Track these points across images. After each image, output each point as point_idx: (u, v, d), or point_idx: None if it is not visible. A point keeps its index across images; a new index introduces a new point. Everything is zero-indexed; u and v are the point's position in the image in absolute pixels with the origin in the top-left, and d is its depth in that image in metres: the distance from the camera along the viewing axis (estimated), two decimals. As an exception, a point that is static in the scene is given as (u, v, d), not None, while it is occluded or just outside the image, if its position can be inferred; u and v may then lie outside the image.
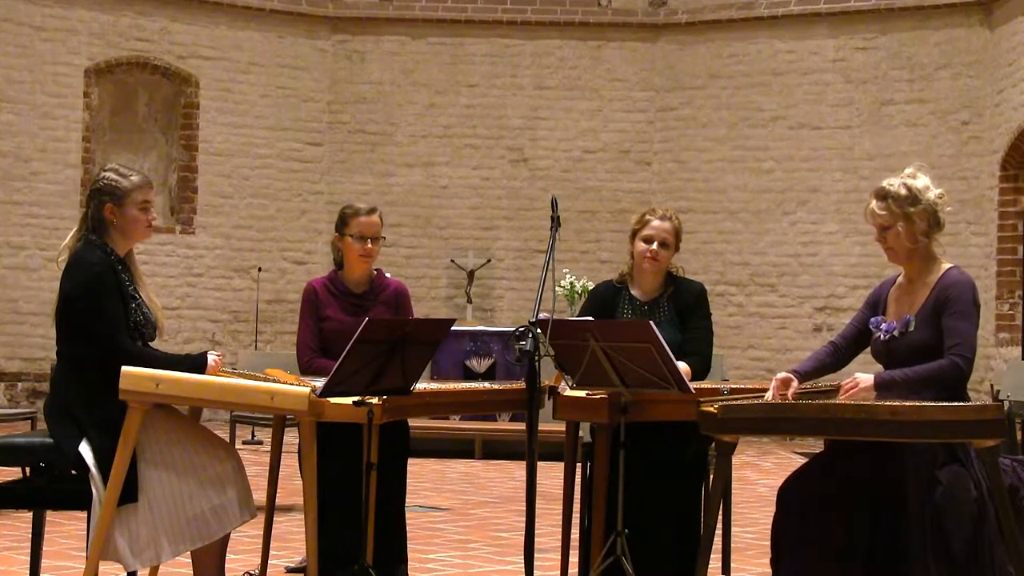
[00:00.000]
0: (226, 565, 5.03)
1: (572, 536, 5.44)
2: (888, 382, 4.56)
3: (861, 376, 4.62)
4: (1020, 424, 9.01)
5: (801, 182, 14.32)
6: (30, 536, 5.15)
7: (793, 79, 14.35)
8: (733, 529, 5.97)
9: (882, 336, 4.71)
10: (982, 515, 4.42)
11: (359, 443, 4.84)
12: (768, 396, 4.71)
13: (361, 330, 4.62)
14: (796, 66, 14.35)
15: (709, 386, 5.15)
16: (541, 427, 4.75)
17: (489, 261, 14.81)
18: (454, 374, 12.23)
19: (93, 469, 4.73)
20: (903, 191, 4.65)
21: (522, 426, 4.66)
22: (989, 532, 4.41)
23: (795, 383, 4.71)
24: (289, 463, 5.86)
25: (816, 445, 10.86)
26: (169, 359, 4.89)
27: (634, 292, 5.70)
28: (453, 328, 5.48)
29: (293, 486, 6.16)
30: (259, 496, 5.26)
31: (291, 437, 5.49)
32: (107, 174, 5.00)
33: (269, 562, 5.63)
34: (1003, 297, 12.88)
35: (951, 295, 4.59)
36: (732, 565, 5.95)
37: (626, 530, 5.00)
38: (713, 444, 5.05)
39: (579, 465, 5.56)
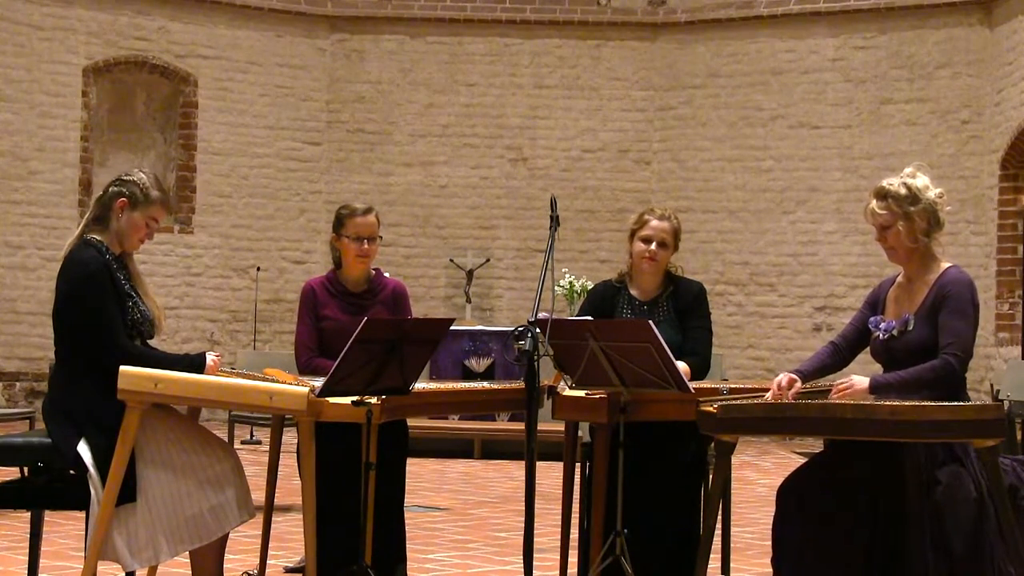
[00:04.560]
0: (225, 565, 5.02)
1: (571, 536, 5.44)
2: (883, 385, 4.55)
3: (856, 379, 4.61)
4: (1020, 424, 9.00)
5: (800, 181, 14.32)
6: (28, 536, 5.13)
7: (792, 78, 14.35)
8: (733, 529, 5.96)
9: (881, 335, 4.71)
10: (982, 515, 4.41)
11: (358, 443, 4.84)
12: (769, 396, 4.71)
13: (360, 330, 4.62)
14: (796, 65, 14.34)
15: (708, 386, 5.14)
16: (540, 427, 4.74)
17: (488, 260, 14.80)
18: (453, 374, 12.22)
19: (91, 469, 4.72)
20: (903, 190, 4.65)
21: (521, 426, 4.66)
22: (989, 532, 4.41)
23: (798, 383, 4.71)
24: (288, 463, 5.86)
25: (816, 445, 10.85)
26: (167, 358, 4.88)
27: (633, 292, 5.69)
28: (452, 327, 5.47)
29: (292, 486, 6.15)
30: (258, 496, 5.25)
31: (290, 437, 5.49)
32: (142, 176, 5.01)
33: (268, 562, 5.62)
34: (1003, 297, 12.88)
35: (949, 293, 4.59)
36: (732, 565, 5.94)
37: (625, 530, 4.99)
38: (713, 444, 5.05)
39: (578, 465, 5.56)
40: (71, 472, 4.82)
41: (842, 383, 4.63)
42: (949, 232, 5.06)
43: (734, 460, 5.08)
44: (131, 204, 4.94)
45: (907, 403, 4.32)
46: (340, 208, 5.87)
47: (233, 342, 14.54)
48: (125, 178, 5.01)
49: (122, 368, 4.66)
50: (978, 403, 4.36)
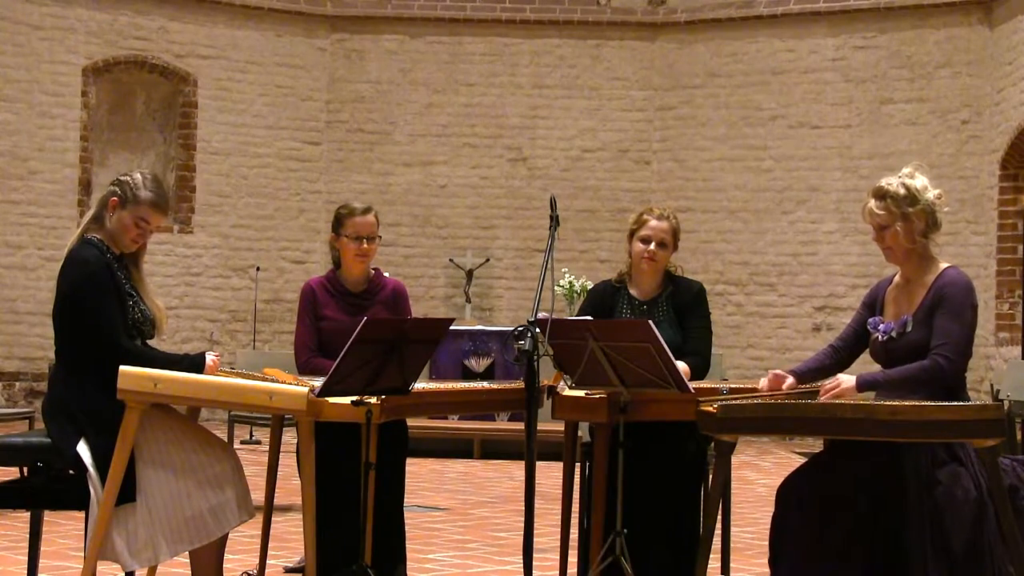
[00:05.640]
0: (224, 565, 5.02)
1: (571, 536, 5.44)
2: (871, 383, 4.56)
3: (843, 377, 4.62)
4: (1020, 424, 9.00)
5: (800, 181, 14.32)
6: (28, 536, 5.13)
7: (792, 78, 14.34)
8: (732, 529, 5.96)
9: (880, 337, 4.70)
10: (982, 515, 4.41)
11: (358, 443, 4.83)
12: (762, 384, 4.73)
13: (359, 329, 4.61)
14: (795, 65, 14.34)
15: (708, 385, 5.14)
16: (540, 427, 4.74)
17: (488, 260, 14.80)
18: (453, 373, 12.21)
19: (91, 469, 4.72)
20: (902, 191, 4.64)
21: (521, 426, 4.67)
22: (989, 532, 4.41)
23: (789, 380, 4.72)
24: (287, 463, 5.85)
25: (816, 445, 10.85)
26: (167, 358, 4.87)
27: (633, 292, 5.69)
28: (452, 327, 5.47)
29: (291, 486, 6.15)
30: (257, 496, 5.25)
31: (289, 437, 5.48)
32: (138, 176, 4.99)
33: (267, 562, 5.62)
34: (1003, 297, 12.87)
35: (946, 295, 4.59)
36: (731, 565, 5.94)
37: (625, 530, 4.99)
38: (712, 444, 5.05)
39: (578, 465, 5.56)
40: (71, 472, 4.82)
41: (829, 384, 4.65)
42: (949, 232, 5.07)
43: (734, 460, 5.08)
44: (120, 203, 4.94)
45: (907, 403, 4.32)
46: (339, 208, 5.86)
47: (233, 342, 14.53)
48: (122, 177, 5.01)
49: (122, 368, 4.65)
50: (978, 403, 4.35)
